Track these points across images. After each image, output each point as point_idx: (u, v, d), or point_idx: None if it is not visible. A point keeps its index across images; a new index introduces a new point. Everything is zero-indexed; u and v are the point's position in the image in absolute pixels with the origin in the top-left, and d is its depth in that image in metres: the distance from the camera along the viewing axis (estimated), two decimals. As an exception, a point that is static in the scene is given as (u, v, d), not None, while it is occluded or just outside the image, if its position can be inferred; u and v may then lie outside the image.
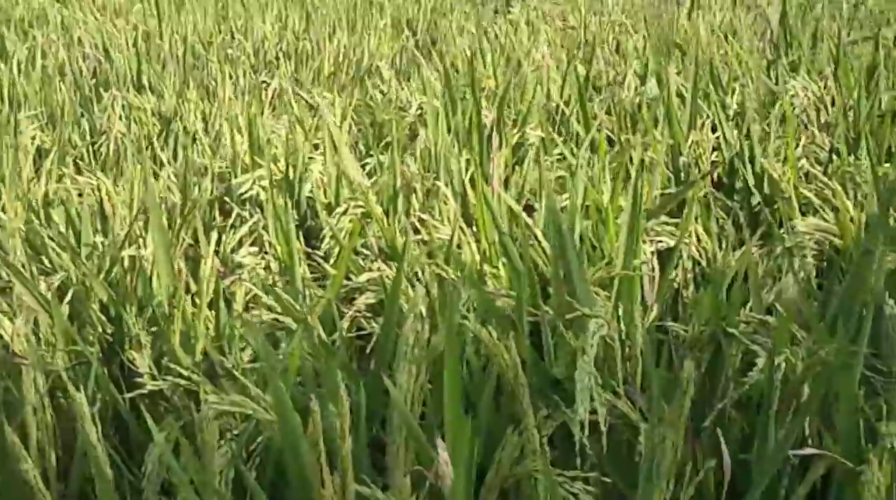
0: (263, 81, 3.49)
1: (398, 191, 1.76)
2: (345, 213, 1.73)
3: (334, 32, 4.09)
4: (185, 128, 2.79)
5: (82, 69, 3.72)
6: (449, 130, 2.04)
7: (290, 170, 1.86)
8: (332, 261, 1.68)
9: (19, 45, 3.97)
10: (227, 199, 1.94)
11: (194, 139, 2.47)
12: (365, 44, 3.88)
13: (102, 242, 1.81)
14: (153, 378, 1.41)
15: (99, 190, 2.00)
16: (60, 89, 3.32)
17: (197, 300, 1.53)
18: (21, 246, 1.75)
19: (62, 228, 1.88)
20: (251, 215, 1.85)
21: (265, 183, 1.90)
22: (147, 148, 2.79)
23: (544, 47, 2.70)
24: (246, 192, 1.93)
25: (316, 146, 2.16)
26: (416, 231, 1.76)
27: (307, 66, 3.68)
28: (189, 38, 3.97)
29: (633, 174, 1.48)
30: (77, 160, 2.66)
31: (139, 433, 1.47)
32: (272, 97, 3.18)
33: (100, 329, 1.50)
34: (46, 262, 1.79)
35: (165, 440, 1.23)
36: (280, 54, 3.90)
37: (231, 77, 3.39)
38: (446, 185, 1.80)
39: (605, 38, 2.82)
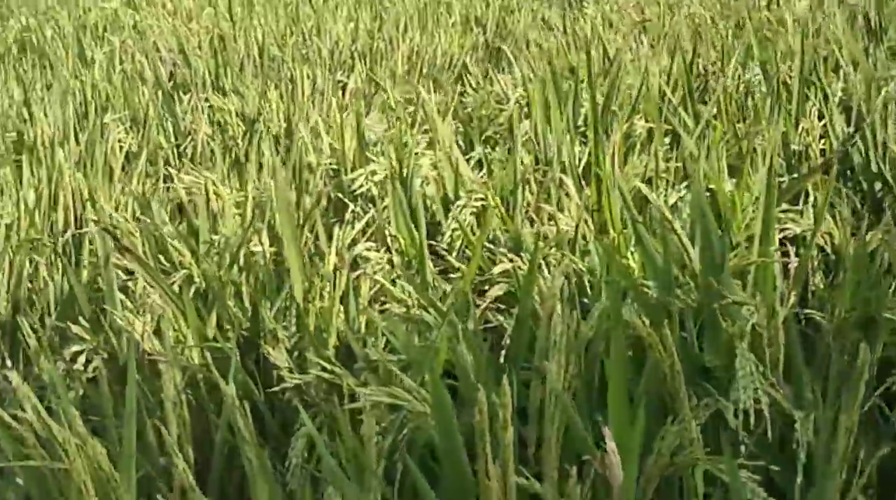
0: (340, 81, 3.50)
1: (517, 183, 1.75)
2: (464, 206, 1.72)
3: (406, 31, 4.09)
4: (268, 128, 2.81)
5: (160, 72, 3.75)
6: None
7: (400, 165, 1.85)
8: (454, 254, 1.68)
9: (97, 50, 4.02)
10: (339, 194, 1.94)
11: (289, 137, 2.48)
12: (437, 41, 3.88)
13: (217, 239, 1.81)
14: (290, 372, 1.41)
15: (207, 189, 2.01)
16: (144, 93, 3.35)
17: (325, 295, 1.53)
18: (142, 245, 1.76)
19: (178, 227, 1.89)
20: (364, 212, 1.85)
21: (377, 178, 1.90)
22: (232, 148, 2.82)
23: (642, 37, 2.68)
24: (358, 188, 1.92)
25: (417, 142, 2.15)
26: (532, 222, 1.75)
27: (381, 65, 3.69)
28: (264, 40, 3.99)
29: (767, 160, 1.45)
30: (171, 160, 2.69)
31: (273, 426, 1.47)
32: (351, 95, 3.19)
33: (236, 325, 1.51)
34: (162, 259, 1.81)
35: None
36: (354, 54, 3.91)
37: (309, 77, 3.40)
38: (565, 174, 1.79)
39: (691, 29, 2.79)
